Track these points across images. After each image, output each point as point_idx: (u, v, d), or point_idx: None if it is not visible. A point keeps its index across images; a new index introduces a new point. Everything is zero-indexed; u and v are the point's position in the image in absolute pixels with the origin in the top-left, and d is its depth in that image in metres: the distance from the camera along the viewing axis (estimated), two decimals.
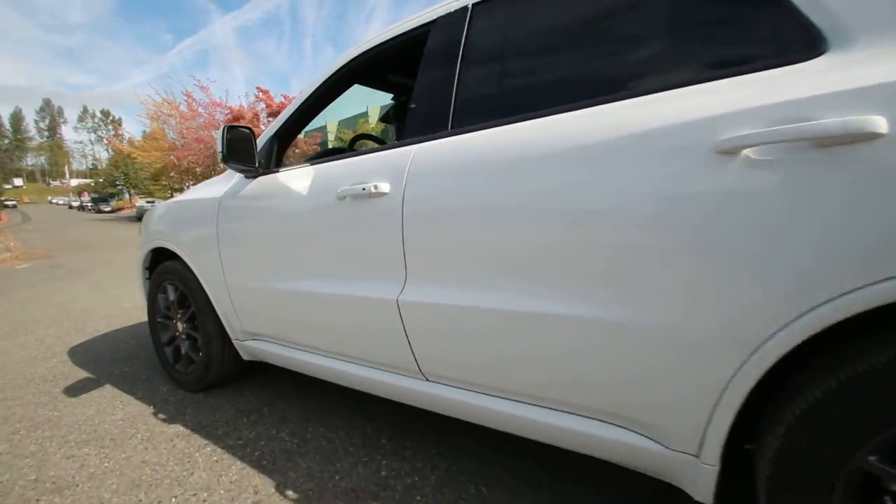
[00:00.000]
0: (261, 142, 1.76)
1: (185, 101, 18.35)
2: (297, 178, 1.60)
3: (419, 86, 1.35)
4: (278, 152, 1.78)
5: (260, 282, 1.70)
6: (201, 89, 17.75)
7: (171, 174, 22.98)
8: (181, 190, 26.00)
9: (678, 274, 0.86)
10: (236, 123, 1.65)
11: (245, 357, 2.01)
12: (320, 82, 1.67)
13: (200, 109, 18.22)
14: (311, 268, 1.52)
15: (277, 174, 1.68)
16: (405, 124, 1.36)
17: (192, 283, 2.02)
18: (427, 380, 1.35)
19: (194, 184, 22.32)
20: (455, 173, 1.18)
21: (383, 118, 2.31)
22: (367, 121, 23.05)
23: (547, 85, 1.14)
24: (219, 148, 1.60)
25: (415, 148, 1.28)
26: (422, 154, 1.26)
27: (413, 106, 1.35)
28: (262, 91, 17.67)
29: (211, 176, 19.74)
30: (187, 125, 18.63)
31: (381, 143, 2.30)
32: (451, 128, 1.25)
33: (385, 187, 1.29)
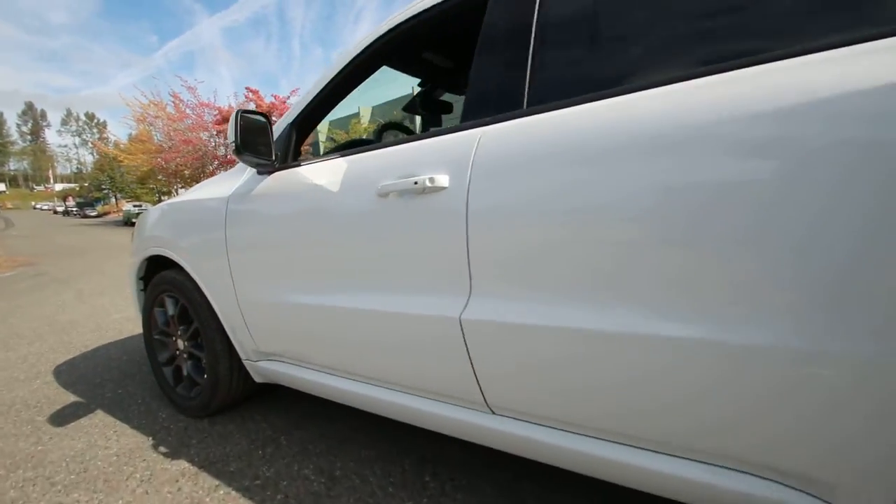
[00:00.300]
0: (276, 132, 1.51)
1: (172, 102, 17.95)
2: (323, 173, 1.35)
3: (480, 57, 1.11)
4: (296, 144, 1.53)
5: (279, 295, 1.45)
6: (189, 90, 17.38)
7: (159, 177, 22.54)
8: (169, 193, 25.52)
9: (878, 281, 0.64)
10: (250, 109, 1.40)
11: (257, 380, 1.76)
12: (345, 63, 1.43)
13: (188, 111, 17.83)
14: (345, 279, 1.27)
15: (298, 168, 1.43)
16: (465, 104, 1.12)
17: (194, 295, 1.77)
18: (493, 413, 1.12)
19: (183, 186, 21.92)
20: (537, 161, 0.94)
21: (407, 108, 2.07)
22: (359, 121, 22.77)
23: (670, 43, 0.90)
24: (231, 138, 1.35)
25: (480, 132, 1.05)
26: (490, 139, 1.02)
27: (473, 82, 1.12)
28: (251, 91, 17.28)
29: (200, 178, 19.42)
30: (175, 127, 18.23)
31: (411, 133, 2.06)
32: (528, 105, 1.02)
33: (443, 180, 1.05)
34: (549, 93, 1.00)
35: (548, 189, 0.92)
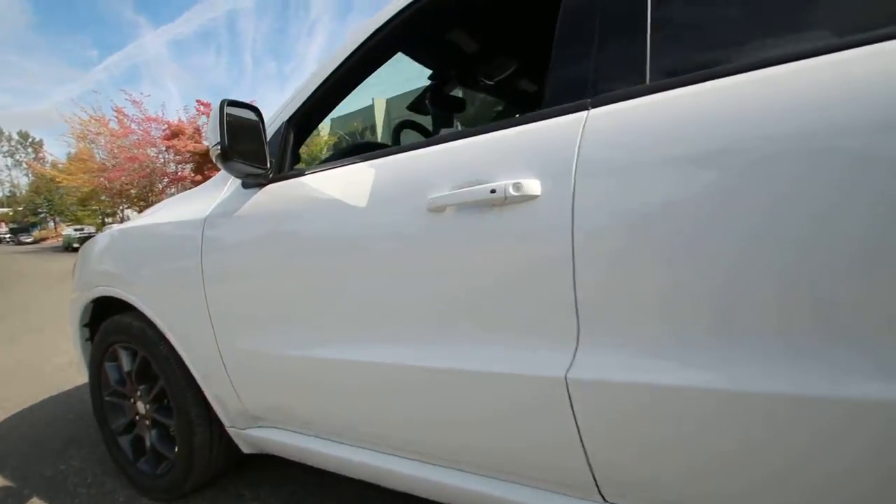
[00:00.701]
0: (267, 132, 1.17)
1: (116, 117, 16.87)
2: (337, 184, 1.02)
3: (569, 21, 0.82)
4: (294, 147, 1.19)
5: (281, 346, 1.10)
6: (134, 104, 16.41)
7: (102, 198, 21.15)
8: (114, 214, 23.94)
9: None
10: (238, 100, 1.05)
11: (246, 450, 1.38)
12: (354, 47, 1.10)
13: (133, 126, 16.83)
14: (383, 326, 0.94)
15: (302, 179, 1.09)
16: (551, 83, 0.83)
17: (158, 347, 1.38)
18: (605, 501, 0.81)
19: (129, 207, 20.60)
20: (687, 148, 0.66)
21: (413, 106, 1.75)
22: (318, 133, 22.20)
23: None
24: (213, 139, 1.00)
25: (581, 116, 0.76)
26: (602, 124, 0.73)
27: (561, 55, 0.82)
28: (203, 104, 16.49)
29: (149, 197, 18.37)
30: (119, 143, 17.18)
31: (429, 134, 1.75)
32: (652, 78, 0.73)
33: (532, 186, 0.75)
34: (688, 58, 0.73)
35: (706, 188, 0.64)
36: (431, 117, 1.75)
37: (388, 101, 22.26)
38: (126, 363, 1.53)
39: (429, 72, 1.72)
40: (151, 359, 1.42)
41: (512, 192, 0.76)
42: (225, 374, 1.25)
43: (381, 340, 0.94)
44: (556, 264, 0.74)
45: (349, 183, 1.00)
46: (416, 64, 1.67)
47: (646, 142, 0.69)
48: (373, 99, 21.76)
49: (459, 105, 1.81)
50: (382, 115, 22.44)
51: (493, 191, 0.77)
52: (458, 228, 0.83)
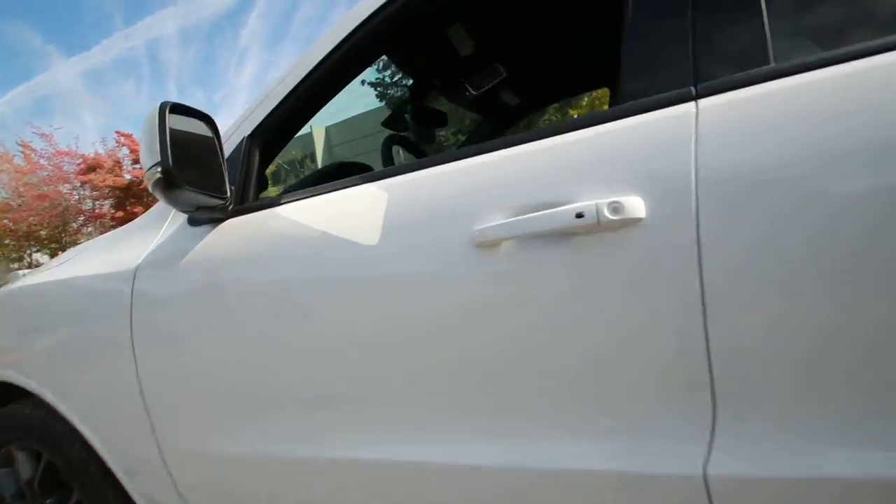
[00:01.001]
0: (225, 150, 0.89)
1: (22, 152, 15.27)
2: (330, 216, 0.76)
3: None
4: (260, 170, 0.92)
5: (255, 441, 0.80)
6: (42, 137, 14.93)
7: (6, 241, 18.89)
8: (20, 259, 21.41)
9: None
10: (185, 105, 0.76)
11: None
12: (332, 46, 0.85)
13: (43, 161, 15.28)
14: (412, 412, 0.68)
15: (277, 210, 0.81)
16: (629, 70, 0.63)
17: (71, 446, 1.02)
18: None
19: (38, 250, 18.51)
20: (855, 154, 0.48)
21: (389, 122, 1.51)
22: None
23: None
24: (150, 159, 0.70)
25: (692, 108, 0.55)
26: (727, 119, 0.53)
27: (639, 33, 0.63)
28: (123, 135, 15.30)
29: (62, 239, 16.61)
30: (25, 181, 15.49)
31: (423, 155, 1.50)
32: (775, 59, 0.55)
33: (634, 206, 0.53)
34: (821, 31, 0.56)
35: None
36: (413, 132, 1.53)
37: (328, 129, 21.86)
38: (25, 469, 1.13)
39: (365, 99, 1.52)
40: (61, 462, 1.05)
41: (608, 215, 0.53)
42: (169, 479, 0.92)
43: (417, 433, 0.67)
44: (680, 313, 0.52)
45: (348, 213, 0.75)
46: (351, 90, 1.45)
47: (799, 140, 0.50)
48: (311, 126, 21.28)
49: (440, 119, 1.60)
50: (322, 144, 21.95)
51: (580, 215, 0.54)
52: (525, 270, 0.59)
